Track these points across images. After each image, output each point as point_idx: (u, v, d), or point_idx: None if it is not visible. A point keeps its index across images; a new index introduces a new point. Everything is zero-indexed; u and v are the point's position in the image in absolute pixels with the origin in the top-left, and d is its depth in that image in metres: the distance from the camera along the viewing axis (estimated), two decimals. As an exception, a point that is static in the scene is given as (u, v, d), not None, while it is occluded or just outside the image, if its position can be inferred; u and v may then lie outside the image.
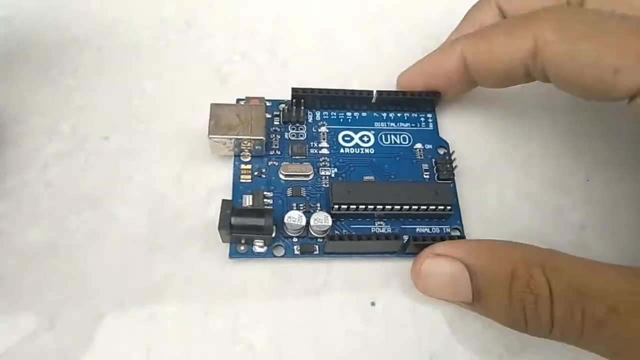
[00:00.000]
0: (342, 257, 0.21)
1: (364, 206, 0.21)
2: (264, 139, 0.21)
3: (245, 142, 0.21)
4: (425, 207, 0.21)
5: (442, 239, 0.20)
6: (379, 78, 0.25)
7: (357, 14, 0.28)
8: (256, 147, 0.22)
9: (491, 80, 0.22)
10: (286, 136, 0.23)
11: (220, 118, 0.21)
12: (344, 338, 0.20)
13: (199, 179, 0.22)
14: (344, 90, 0.23)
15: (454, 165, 0.22)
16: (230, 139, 0.21)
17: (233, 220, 0.19)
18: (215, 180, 0.22)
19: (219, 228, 0.19)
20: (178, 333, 0.20)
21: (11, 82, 0.24)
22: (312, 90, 0.23)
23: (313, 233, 0.21)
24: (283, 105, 0.24)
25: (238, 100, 0.24)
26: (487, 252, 0.19)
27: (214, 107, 0.22)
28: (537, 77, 0.20)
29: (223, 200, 0.20)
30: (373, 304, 0.21)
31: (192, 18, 0.27)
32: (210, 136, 0.21)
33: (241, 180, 0.22)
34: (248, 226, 0.19)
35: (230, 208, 0.20)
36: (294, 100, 0.23)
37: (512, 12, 0.22)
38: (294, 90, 0.23)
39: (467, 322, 0.20)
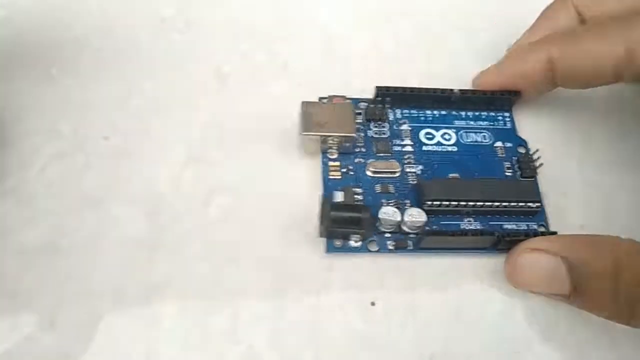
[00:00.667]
0: (345, 255, 0.21)
1: (455, 202, 0.21)
2: (355, 135, 0.22)
3: (335, 139, 0.22)
4: (514, 203, 0.21)
5: (534, 235, 0.20)
6: (379, 78, 0.25)
7: (357, 14, 0.28)
8: (345, 144, 0.22)
9: (577, 82, 0.22)
10: (369, 134, 0.24)
11: (311, 115, 0.22)
12: (344, 337, 0.20)
13: (199, 180, 0.22)
14: (426, 89, 0.24)
15: (537, 163, 0.23)
16: (323, 136, 0.22)
17: (333, 214, 0.20)
18: (216, 180, 0.22)
19: (320, 223, 0.20)
20: (178, 333, 0.19)
21: (10, 81, 0.24)
22: (396, 88, 0.23)
23: (406, 229, 0.21)
24: (364, 104, 0.24)
25: (320, 98, 0.24)
26: (586, 245, 0.19)
27: (305, 104, 0.22)
28: (628, 79, 0.21)
29: (323, 196, 0.20)
30: (373, 303, 0.21)
31: (192, 18, 0.27)
32: (303, 133, 0.21)
33: (330, 177, 0.22)
34: (348, 220, 0.20)
35: (330, 203, 0.20)
36: (379, 99, 0.23)
37: (589, 13, 0.23)
38: (378, 88, 0.23)
39: (468, 321, 0.20)
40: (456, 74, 0.25)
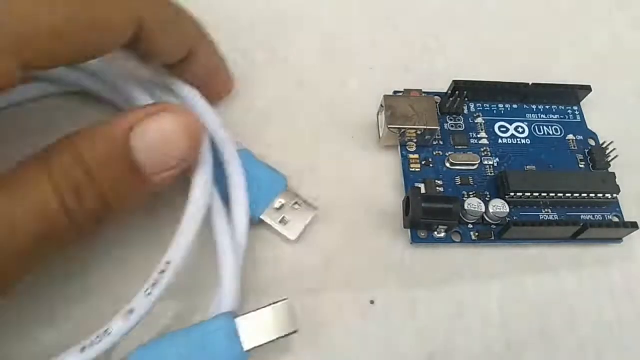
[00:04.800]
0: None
1: (538, 193, 0.22)
2: (438, 129, 0.22)
3: (419, 132, 0.22)
4: (593, 195, 0.22)
5: (616, 226, 0.21)
6: (378, 77, 0.26)
7: (355, 12, 0.28)
8: (426, 137, 0.23)
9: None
10: (445, 127, 0.24)
11: (396, 109, 0.22)
12: (344, 337, 0.20)
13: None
14: (502, 82, 0.24)
15: (612, 156, 0.23)
16: (408, 129, 0.22)
17: (425, 205, 0.20)
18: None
19: (406, 214, 0.20)
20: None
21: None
22: (473, 82, 0.24)
23: (489, 220, 0.22)
24: (437, 97, 0.24)
25: (395, 92, 0.24)
26: None
27: (387, 98, 0.22)
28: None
29: (412, 188, 0.21)
30: (372, 302, 0.21)
31: None
32: (389, 126, 0.22)
33: (411, 170, 0.23)
34: (439, 211, 0.20)
35: (420, 195, 0.20)
36: (457, 92, 0.24)
37: None
38: (456, 82, 0.24)
39: (467, 320, 0.21)
40: (458, 72, 0.25)
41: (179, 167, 0.17)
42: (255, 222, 0.21)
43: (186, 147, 0.17)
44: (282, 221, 0.21)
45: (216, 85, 0.23)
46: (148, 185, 0.17)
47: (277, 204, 0.21)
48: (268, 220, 0.21)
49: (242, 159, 0.20)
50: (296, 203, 0.21)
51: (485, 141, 0.24)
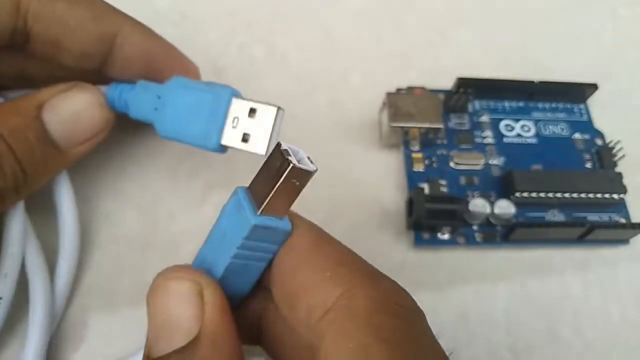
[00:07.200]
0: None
1: (544, 194, 0.21)
2: (443, 127, 0.22)
3: (422, 130, 0.22)
4: (600, 195, 0.21)
5: (623, 227, 0.21)
6: (379, 72, 0.25)
7: (357, 6, 0.27)
8: (429, 136, 0.22)
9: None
10: (449, 125, 0.23)
11: (398, 107, 0.22)
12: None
13: (198, 175, 0.22)
14: (507, 80, 0.24)
15: (619, 155, 0.23)
16: (411, 127, 0.21)
17: (428, 205, 0.20)
18: (214, 178, 0.22)
19: (410, 215, 0.20)
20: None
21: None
22: (478, 79, 0.23)
23: (494, 221, 0.21)
24: (442, 95, 0.24)
25: (398, 89, 0.24)
26: None
27: (390, 96, 0.22)
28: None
29: (415, 188, 0.20)
30: None
31: (186, 10, 0.26)
32: (392, 124, 0.21)
33: (414, 169, 0.22)
34: (443, 212, 0.20)
35: (423, 195, 0.20)
36: (462, 89, 0.23)
37: None
38: (460, 79, 0.23)
39: (472, 324, 0.20)
40: (460, 68, 0.24)
41: (94, 139, 0.18)
42: (221, 151, 0.18)
43: (98, 121, 0.18)
44: (244, 139, 0.17)
45: (165, 68, 0.20)
46: (65, 157, 0.18)
47: (231, 121, 0.17)
48: (231, 144, 0.17)
49: (174, 89, 0.18)
50: (251, 110, 0.17)
51: (490, 140, 0.23)
